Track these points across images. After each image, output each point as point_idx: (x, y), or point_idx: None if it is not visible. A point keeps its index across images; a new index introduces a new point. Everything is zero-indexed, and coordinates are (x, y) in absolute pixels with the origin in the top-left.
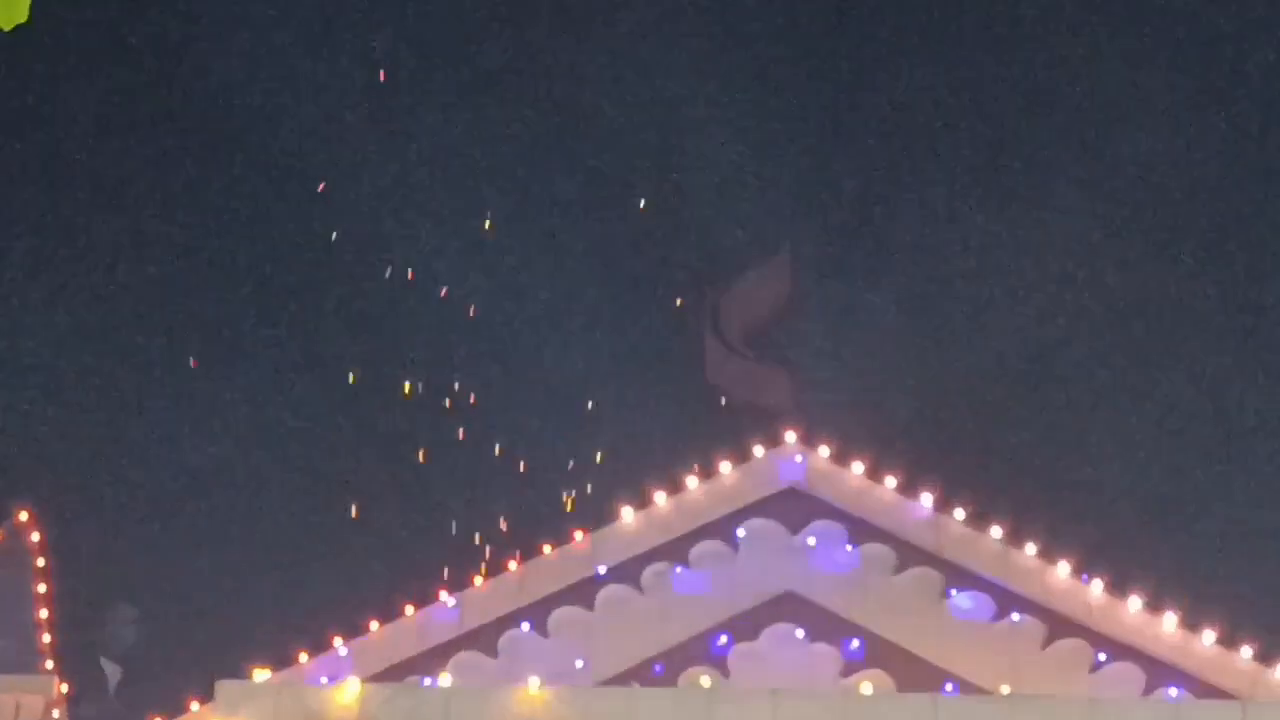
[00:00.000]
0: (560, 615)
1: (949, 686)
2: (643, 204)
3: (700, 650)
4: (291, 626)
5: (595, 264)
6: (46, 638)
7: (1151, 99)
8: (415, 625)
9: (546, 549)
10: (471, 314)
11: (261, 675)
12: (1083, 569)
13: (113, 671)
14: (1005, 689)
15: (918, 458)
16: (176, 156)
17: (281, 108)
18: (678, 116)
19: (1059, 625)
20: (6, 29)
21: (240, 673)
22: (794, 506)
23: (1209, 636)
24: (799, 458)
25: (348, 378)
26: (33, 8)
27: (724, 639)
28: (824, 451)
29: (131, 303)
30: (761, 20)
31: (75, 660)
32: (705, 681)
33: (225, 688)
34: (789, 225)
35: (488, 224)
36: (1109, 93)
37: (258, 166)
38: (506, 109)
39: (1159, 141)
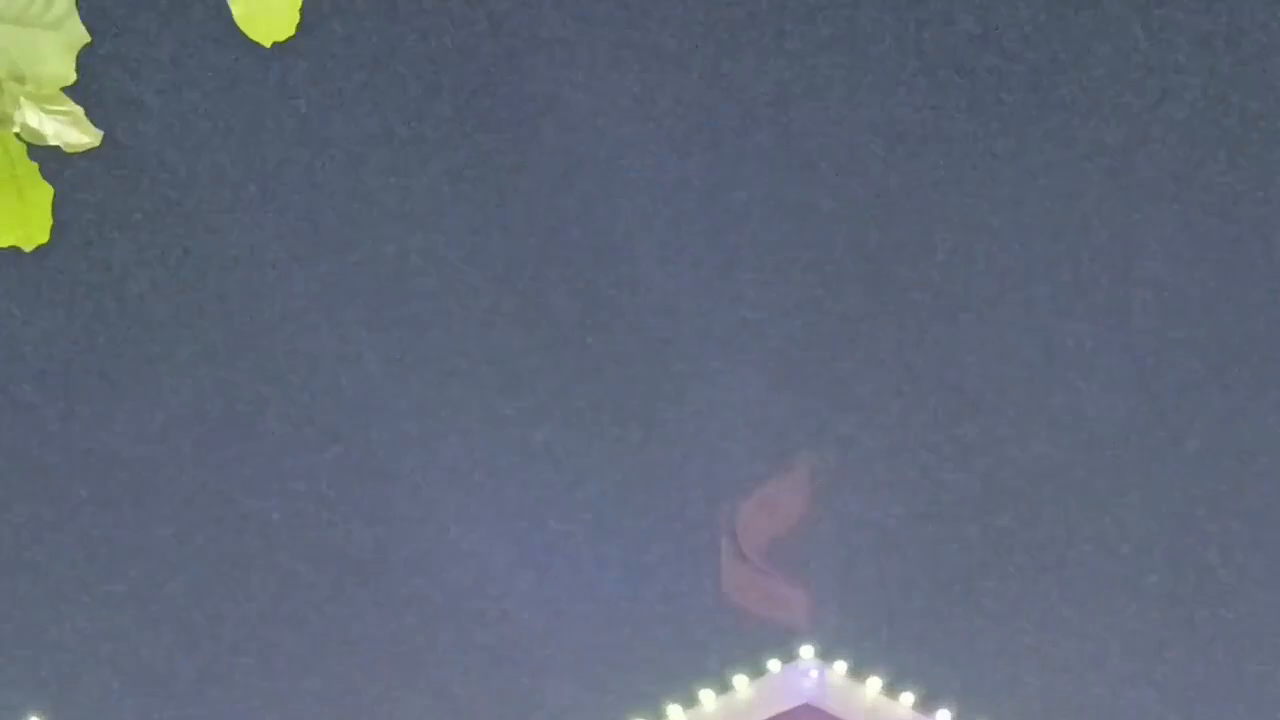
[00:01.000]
0: None
1: None
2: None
3: None
4: None
5: (606, 477)
6: None
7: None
8: None
9: None
10: (485, 524)
11: None
12: None
13: None
14: None
15: (935, 674)
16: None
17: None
18: (688, 342)
19: None
20: (28, 249)
21: None
22: None
23: None
24: (815, 673)
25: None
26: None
27: None
28: (840, 667)
29: (135, 505)
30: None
31: None
32: None
33: None
34: (804, 438)
35: (496, 426)
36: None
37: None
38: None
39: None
